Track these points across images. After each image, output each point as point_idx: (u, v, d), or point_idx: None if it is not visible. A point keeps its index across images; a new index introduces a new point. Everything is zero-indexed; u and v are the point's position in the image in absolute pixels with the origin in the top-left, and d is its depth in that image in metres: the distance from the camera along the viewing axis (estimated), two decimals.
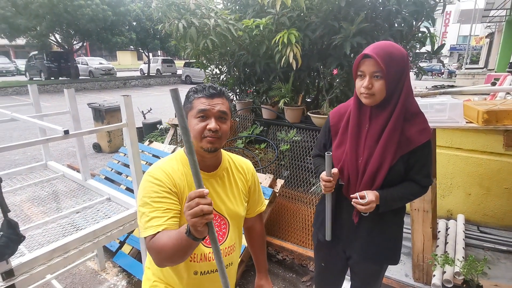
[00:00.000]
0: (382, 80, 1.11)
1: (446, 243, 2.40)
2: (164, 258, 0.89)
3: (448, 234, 2.51)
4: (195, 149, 1.04)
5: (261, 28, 3.02)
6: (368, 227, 1.28)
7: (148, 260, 1.19)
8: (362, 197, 1.17)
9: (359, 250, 1.32)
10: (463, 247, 2.29)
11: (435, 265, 2.02)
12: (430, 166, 1.25)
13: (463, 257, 2.13)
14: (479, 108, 1.76)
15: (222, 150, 1.12)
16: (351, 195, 1.21)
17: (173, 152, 3.41)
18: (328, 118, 1.37)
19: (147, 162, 3.43)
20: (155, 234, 0.91)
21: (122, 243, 2.74)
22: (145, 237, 0.94)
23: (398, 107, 1.14)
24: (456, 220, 2.71)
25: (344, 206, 1.31)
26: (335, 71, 3.37)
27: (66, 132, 1.53)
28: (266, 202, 2.55)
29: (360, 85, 1.16)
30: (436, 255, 2.07)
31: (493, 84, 4.28)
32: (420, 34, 3.17)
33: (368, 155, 1.20)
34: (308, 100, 4.05)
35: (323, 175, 1.25)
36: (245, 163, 1.20)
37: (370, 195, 1.17)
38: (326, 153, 1.21)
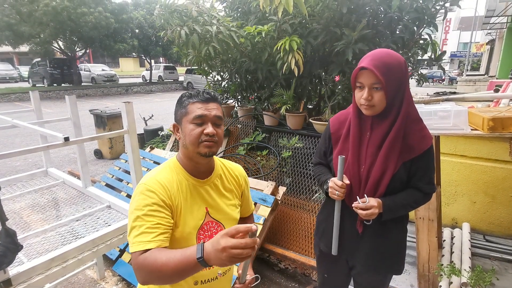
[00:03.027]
0: (382, 91, 1.10)
1: (451, 252, 2.35)
2: (159, 278, 0.85)
3: (454, 243, 2.46)
4: (191, 155, 1.02)
5: (263, 35, 3.03)
6: (371, 236, 1.26)
7: None
8: (364, 202, 1.15)
9: (362, 260, 1.29)
10: (469, 257, 2.24)
11: (441, 275, 1.98)
12: (433, 173, 1.23)
13: (469, 267, 2.08)
14: (484, 115, 1.74)
15: (214, 156, 1.11)
16: (353, 203, 1.18)
17: None
18: (328, 126, 1.35)
19: (148, 169, 3.41)
20: (145, 251, 0.87)
21: (122, 251, 2.71)
22: (132, 253, 0.89)
23: (401, 116, 1.13)
24: (461, 229, 2.66)
25: (346, 215, 1.28)
26: (337, 78, 3.36)
27: (67, 139, 1.52)
28: (268, 210, 2.52)
29: (360, 96, 1.15)
30: (442, 265, 2.03)
31: (496, 90, 4.26)
32: (422, 41, 3.17)
33: (370, 163, 1.19)
34: (310, 106, 4.04)
35: (336, 180, 1.20)
36: (237, 169, 1.20)
37: (372, 201, 1.15)
38: (339, 156, 1.18)
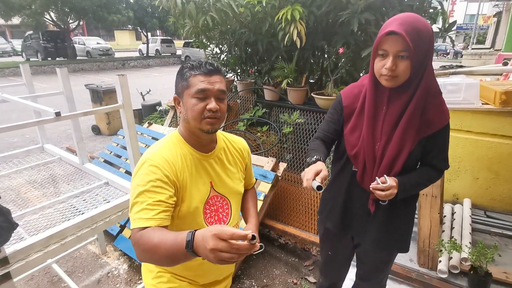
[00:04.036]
0: (408, 60, 0.98)
1: (452, 227, 2.35)
2: (152, 258, 0.83)
3: (454, 219, 2.46)
4: (193, 130, 0.99)
5: (264, 4, 2.86)
6: (382, 216, 1.21)
7: None
8: (383, 182, 1.06)
9: (371, 239, 1.26)
10: (469, 232, 2.24)
11: (441, 251, 1.98)
12: (448, 150, 1.17)
13: (470, 242, 2.09)
14: (497, 89, 1.66)
15: None
16: (371, 184, 1.08)
17: None
18: (339, 99, 1.23)
19: (146, 145, 3.36)
20: (144, 228, 0.84)
21: (122, 227, 2.72)
22: (132, 229, 0.87)
23: (421, 89, 1.03)
24: (462, 205, 2.66)
25: (357, 193, 1.23)
26: (341, 50, 3.22)
27: (58, 113, 1.45)
28: (269, 186, 2.49)
29: (381, 65, 1.02)
30: (443, 240, 2.02)
31: (505, 64, 4.12)
32: (431, 10, 3.00)
33: (386, 139, 1.10)
34: (312, 81, 3.91)
35: (310, 179, 1.01)
36: (240, 141, 1.18)
37: (391, 181, 1.06)
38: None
